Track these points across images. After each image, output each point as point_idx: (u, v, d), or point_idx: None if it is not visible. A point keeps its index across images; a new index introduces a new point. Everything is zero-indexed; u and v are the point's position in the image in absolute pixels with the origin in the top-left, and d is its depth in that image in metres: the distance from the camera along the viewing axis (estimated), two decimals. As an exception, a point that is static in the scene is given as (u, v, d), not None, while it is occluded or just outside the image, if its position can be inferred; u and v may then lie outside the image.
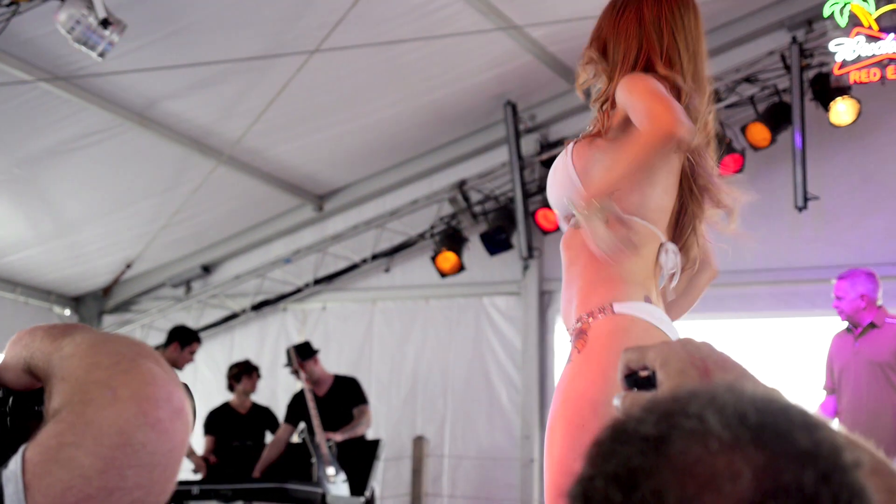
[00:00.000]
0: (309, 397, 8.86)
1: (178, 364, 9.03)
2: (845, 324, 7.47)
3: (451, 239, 10.50)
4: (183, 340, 9.22)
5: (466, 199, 10.66)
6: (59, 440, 1.16)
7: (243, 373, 9.69)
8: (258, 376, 9.81)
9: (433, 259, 10.39)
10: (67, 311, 11.94)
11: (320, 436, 8.62)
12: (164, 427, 1.18)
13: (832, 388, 7.46)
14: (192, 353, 9.23)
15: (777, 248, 9.35)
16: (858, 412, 7.11)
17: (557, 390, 3.09)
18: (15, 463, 1.17)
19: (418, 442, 10.23)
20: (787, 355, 9.26)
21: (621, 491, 0.90)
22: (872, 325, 7.22)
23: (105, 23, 6.98)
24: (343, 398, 9.10)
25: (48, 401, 1.24)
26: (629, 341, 2.94)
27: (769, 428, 0.90)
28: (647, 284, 3.14)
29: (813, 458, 0.89)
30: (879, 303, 7.30)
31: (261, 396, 10.04)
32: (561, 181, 3.26)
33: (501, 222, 10.36)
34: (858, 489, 0.90)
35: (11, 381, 1.42)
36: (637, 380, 1.39)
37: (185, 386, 1.45)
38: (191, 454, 9.26)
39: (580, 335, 3.07)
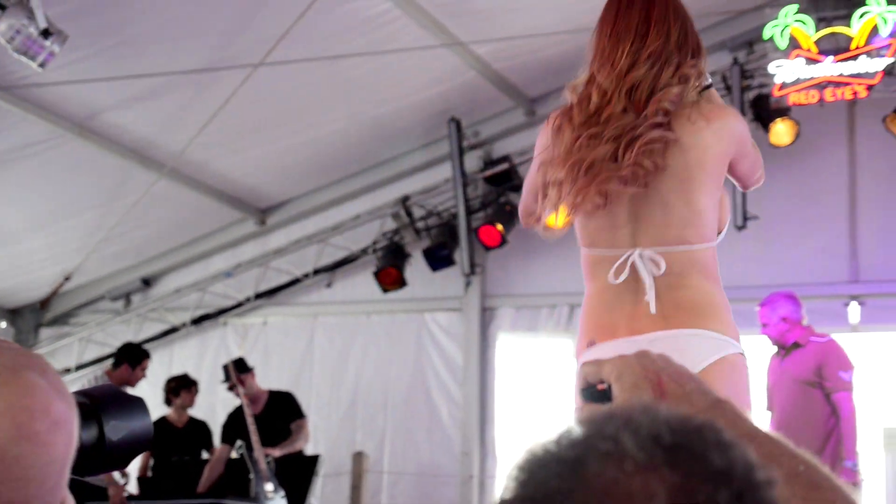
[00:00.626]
0: (247, 412, 8.80)
1: (130, 382, 8.83)
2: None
3: (394, 254, 10.49)
4: (133, 360, 8.96)
5: (409, 214, 10.65)
6: None
7: (181, 387, 9.59)
8: (196, 391, 9.71)
9: (375, 274, 10.38)
10: (3, 324, 11.79)
11: (258, 451, 8.56)
12: (42, 440, 1.14)
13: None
14: (144, 369, 9.02)
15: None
16: (787, 430, 7.17)
17: None
18: None
19: (358, 457, 10.19)
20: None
21: None
22: (797, 345, 7.28)
23: (46, 33, 6.90)
24: (280, 413, 9.05)
25: None
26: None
27: (683, 448, 0.91)
28: (596, 324, 3.16)
29: (727, 478, 0.90)
30: (805, 322, 7.35)
31: (199, 411, 9.94)
32: None
33: (444, 238, 10.37)
34: None
35: None
36: (593, 393, 1.40)
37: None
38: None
39: None
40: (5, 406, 1.13)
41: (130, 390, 4.77)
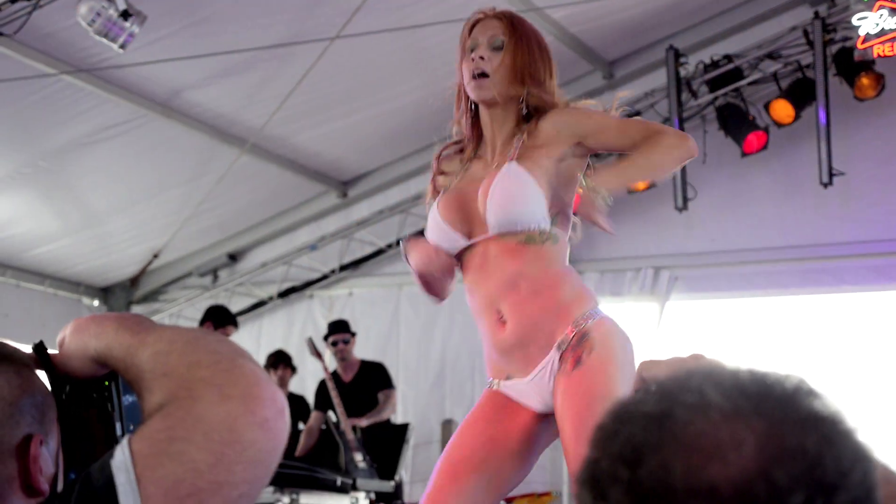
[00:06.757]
0: (330, 385, 8.88)
1: None
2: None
3: (476, 222, 10.47)
4: (217, 321, 8.91)
5: (490, 181, 10.62)
6: (169, 434, 1.20)
7: (269, 366, 9.71)
8: (286, 367, 9.79)
9: (458, 242, 10.37)
10: (96, 302, 12.00)
11: (345, 423, 8.64)
12: (270, 426, 1.23)
13: None
14: (227, 335, 9.09)
15: (803, 225, 9.31)
16: None
17: (580, 393, 3.34)
18: (123, 454, 1.20)
19: (447, 425, 10.25)
20: (814, 332, 9.22)
21: (628, 468, 0.91)
22: None
23: (125, 14, 7.01)
24: (369, 383, 9.13)
25: (148, 395, 1.28)
26: (625, 339, 3.40)
27: (769, 396, 0.91)
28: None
29: (814, 423, 0.90)
30: None
31: (290, 383, 10.08)
32: (529, 195, 3.50)
33: (526, 204, 10.33)
34: (861, 453, 0.91)
35: (75, 369, 1.45)
36: None
37: None
38: None
39: (583, 339, 3.36)
40: (238, 393, 1.22)
41: None
